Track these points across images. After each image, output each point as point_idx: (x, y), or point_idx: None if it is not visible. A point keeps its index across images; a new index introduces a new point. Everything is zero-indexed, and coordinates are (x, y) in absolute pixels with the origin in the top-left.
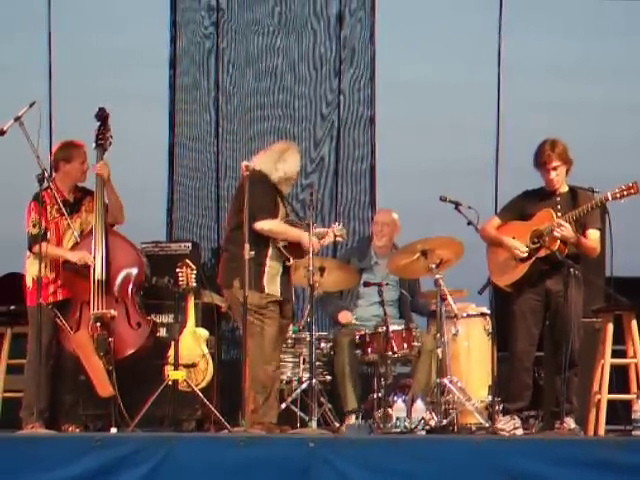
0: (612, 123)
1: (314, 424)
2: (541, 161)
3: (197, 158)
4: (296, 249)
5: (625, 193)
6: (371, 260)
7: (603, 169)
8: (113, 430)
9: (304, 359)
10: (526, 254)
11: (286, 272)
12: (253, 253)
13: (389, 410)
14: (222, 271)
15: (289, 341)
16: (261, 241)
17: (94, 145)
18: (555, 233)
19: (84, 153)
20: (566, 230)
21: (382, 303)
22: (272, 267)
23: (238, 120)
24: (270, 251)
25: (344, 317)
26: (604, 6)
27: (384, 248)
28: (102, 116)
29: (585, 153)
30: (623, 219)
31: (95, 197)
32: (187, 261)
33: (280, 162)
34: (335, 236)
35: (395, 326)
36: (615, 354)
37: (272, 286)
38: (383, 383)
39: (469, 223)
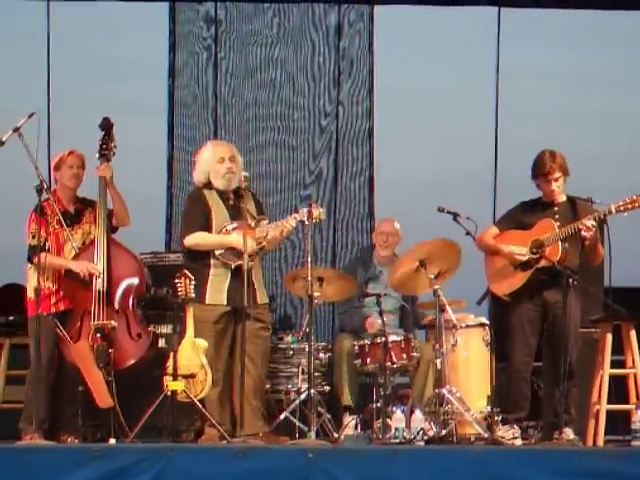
0: (610, 133)
1: (313, 434)
2: (543, 172)
3: None
4: (237, 252)
5: (629, 206)
6: (375, 270)
7: (601, 179)
8: (112, 441)
9: (303, 369)
10: (527, 257)
11: (238, 276)
12: (252, 263)
13: (388, 420)
14: None
15: (289, 352)
16: (201, 252)
17: (97, 155)
18: (584, 233)
19: (73, 158)
20: (594, 230)
21: (381, 313)
22: (216, 275)
23: (237, 131)
24: (212, 260)
25: (371, 325)
26: (601, 17)
27: (387, 257)
28: (106, 126)
29: (583, 163)
30: (622, 229)
31: (98, 201)
32: (185, 272)
33: (197, 167)
34: (297, 220)
35: (394, 336)
36: (614, 364)
37: (217, 294)
38: (382, 393)
39: (467, 234)
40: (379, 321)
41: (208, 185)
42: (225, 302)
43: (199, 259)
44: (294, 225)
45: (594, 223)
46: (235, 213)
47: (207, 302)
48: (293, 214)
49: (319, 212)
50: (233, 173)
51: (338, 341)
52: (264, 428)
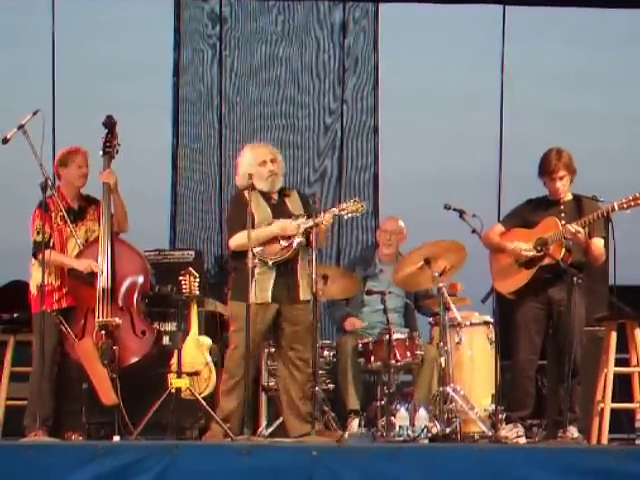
0: (613, 131)
1: None
2: (548, 170)
3: (200, 167)
4: (275, 247)
5: (632, 204)
6: (376, 268)
7: (604, 177)
8: (116, 438)
9: None
10: (532, 253)
11: (282, 273)
12: (257, 262)
13: (392, 418)
14: None
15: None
16: (244, 251)
17: (101, 153)
18: (568, 236)
19: (82, 157)
20: (581, 235)
21: (385, 311)
22: (261, 273)
23: (241, 130)
24: (256, 259)
25: (350, 324)
26: (606, 15)
27: (390, 256)
28: (110, 123)
29: (586, 161)
30: (626, 227)
31: (102, 205)
32: (190, 269)
33: (239, 170)
34: (336, 215)
35: (398, 334)
36: (618, 363)
37: (262, 293)
38: (386, 391)
39: (473, 231)
40: (359, 323)
41: (252, 187)
42: (270, 300)
43: (243, 258)
44: (330, 220)
45: (578, 229)
46: (278, 212)
47: (253, 301)
48: (332, 208)
49: (359, 206)
50: (276, 175)
51: (342, 339)
52: (309, 430)
